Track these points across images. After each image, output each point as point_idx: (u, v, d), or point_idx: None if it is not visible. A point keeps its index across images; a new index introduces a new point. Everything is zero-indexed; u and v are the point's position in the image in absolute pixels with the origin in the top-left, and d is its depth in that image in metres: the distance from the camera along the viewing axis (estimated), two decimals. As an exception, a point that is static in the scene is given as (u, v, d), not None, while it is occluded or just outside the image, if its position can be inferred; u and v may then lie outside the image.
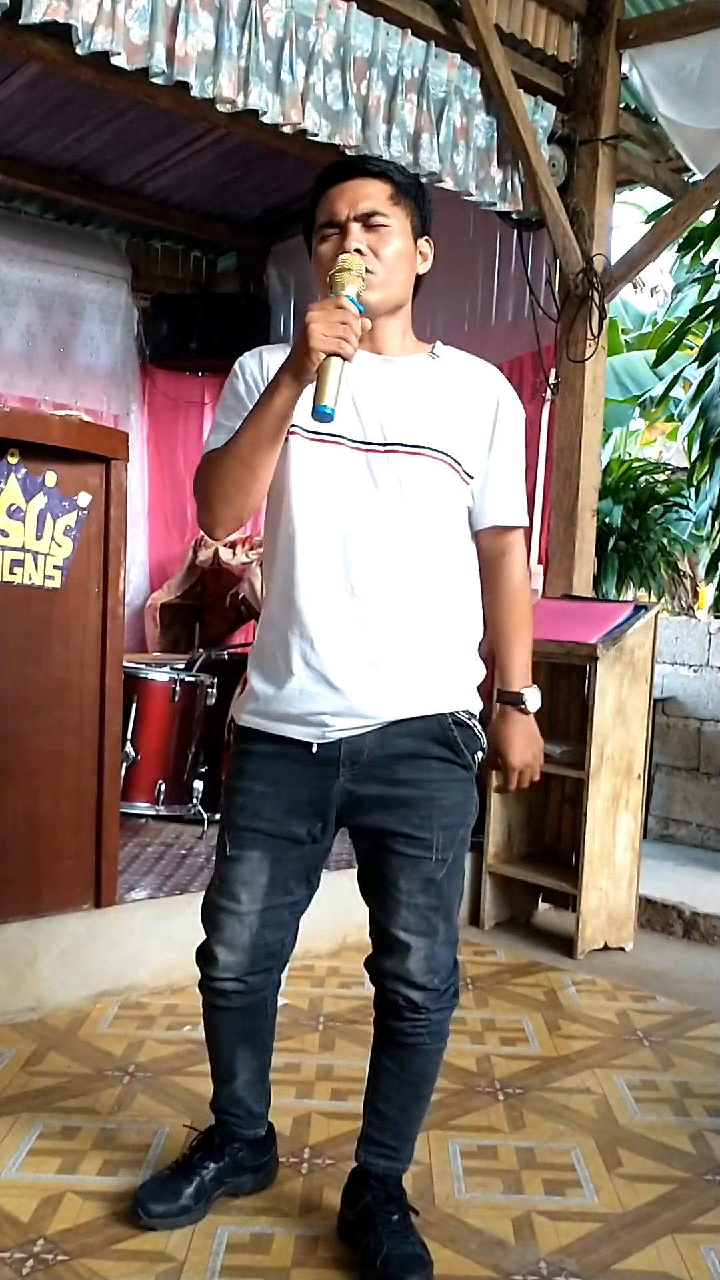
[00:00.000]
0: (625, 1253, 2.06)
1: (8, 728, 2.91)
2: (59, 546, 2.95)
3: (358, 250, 1.77)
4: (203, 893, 2.03)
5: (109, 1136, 2.39)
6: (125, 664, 3.48)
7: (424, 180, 1.95)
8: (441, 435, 1.84)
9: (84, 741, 3.04)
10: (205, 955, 1.99)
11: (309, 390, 1.69)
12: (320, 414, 1.64)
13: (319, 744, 1.84)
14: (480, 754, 1.94)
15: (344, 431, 1.83)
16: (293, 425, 1.80)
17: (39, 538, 2.92)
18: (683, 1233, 2.13)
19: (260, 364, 1.88)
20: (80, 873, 3.06)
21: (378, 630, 1.81)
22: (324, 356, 1.63)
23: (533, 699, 1.95)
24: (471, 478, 1.88)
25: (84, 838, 3.06)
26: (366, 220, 1.80)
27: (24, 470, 2.88)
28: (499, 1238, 2.09)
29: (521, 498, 1.95)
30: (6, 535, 2.87)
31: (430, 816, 1.86)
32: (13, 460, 2.86)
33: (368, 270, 1.76)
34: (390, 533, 1.81)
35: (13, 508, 2.87)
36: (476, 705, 1.93)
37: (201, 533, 5.58)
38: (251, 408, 1.76)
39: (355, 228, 1.80)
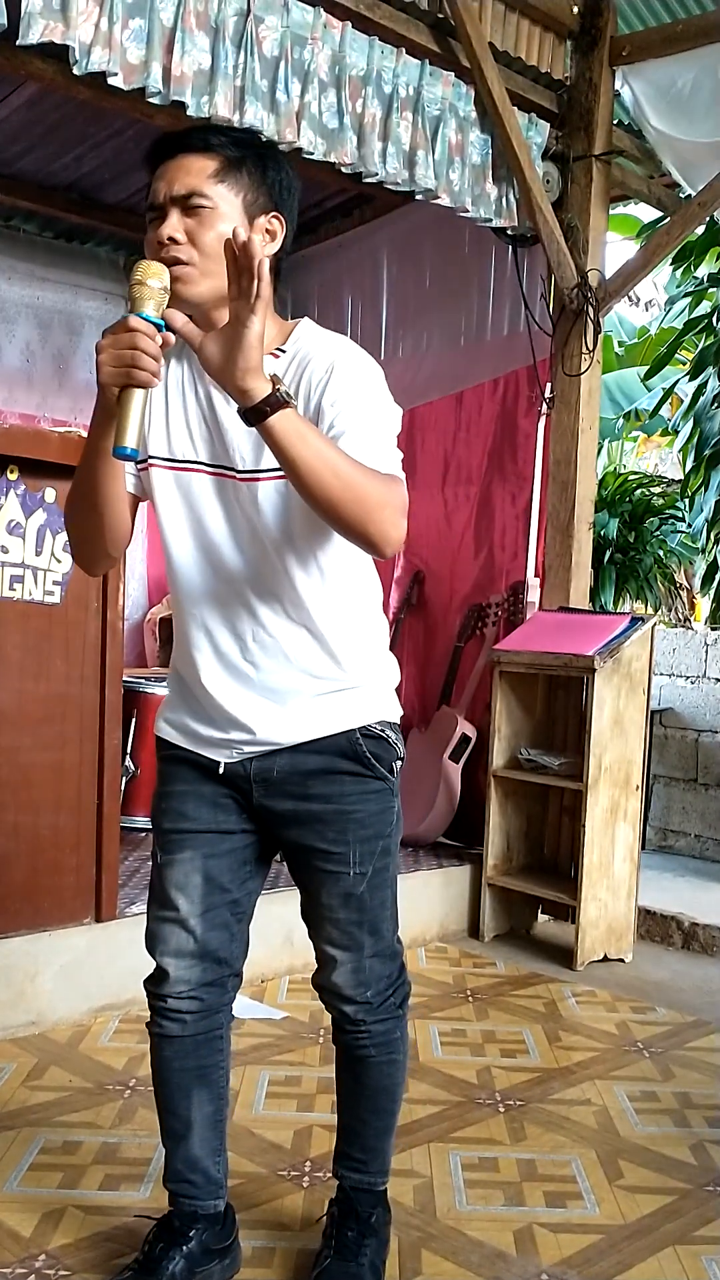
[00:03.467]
0: (627, 1264, 2.06)
1: (8, 742, 2.92)
2: (58, 562, 2.97)
3: (171, 238, 1.60)
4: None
5: (110, 1151, 2.39)
6: (125, 678, 3.49)
7: (275, 143, 1.73)
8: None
9: (84, 756, 3.05)
10: (155, 976, 1.86)
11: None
12: (120, 454, 1.48)
13: (226, 763, 1.79)
14: (399, 763, 1.84)
15: (200, 456, 1.72)
16: (150, 454, 1.72)
17: (39, 553, 2.93)
18: (684, 1244, 2.13)
19: None
20: (81, 887, 3.07)
21: (266, 667, 1.74)
22: (118, 390, 1.49)
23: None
24: None
25: (84, 852, 3.07)
26: (185, 203, 1.61)
27: (23, 487, 2.90)
28: (500, 1250, 2.09)
29: (374, 438, 1.64)
30: (6, 551, 2.88)
31: (345, 830, 1.79)
32: (12, 477, 2.88)
33: (183, 262, 1.60)
34: (257, 563, 1.72)
35: (12, 524, 2.89)
36: (391, 714, 1.84)
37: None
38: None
39: (173, 213, 1.61)
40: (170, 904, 1.83)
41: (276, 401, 1.50)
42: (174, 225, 1.61)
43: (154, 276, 1.53)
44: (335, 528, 1.61)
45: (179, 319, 1.55)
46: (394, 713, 1.86)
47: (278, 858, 1.93)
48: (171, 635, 5.67)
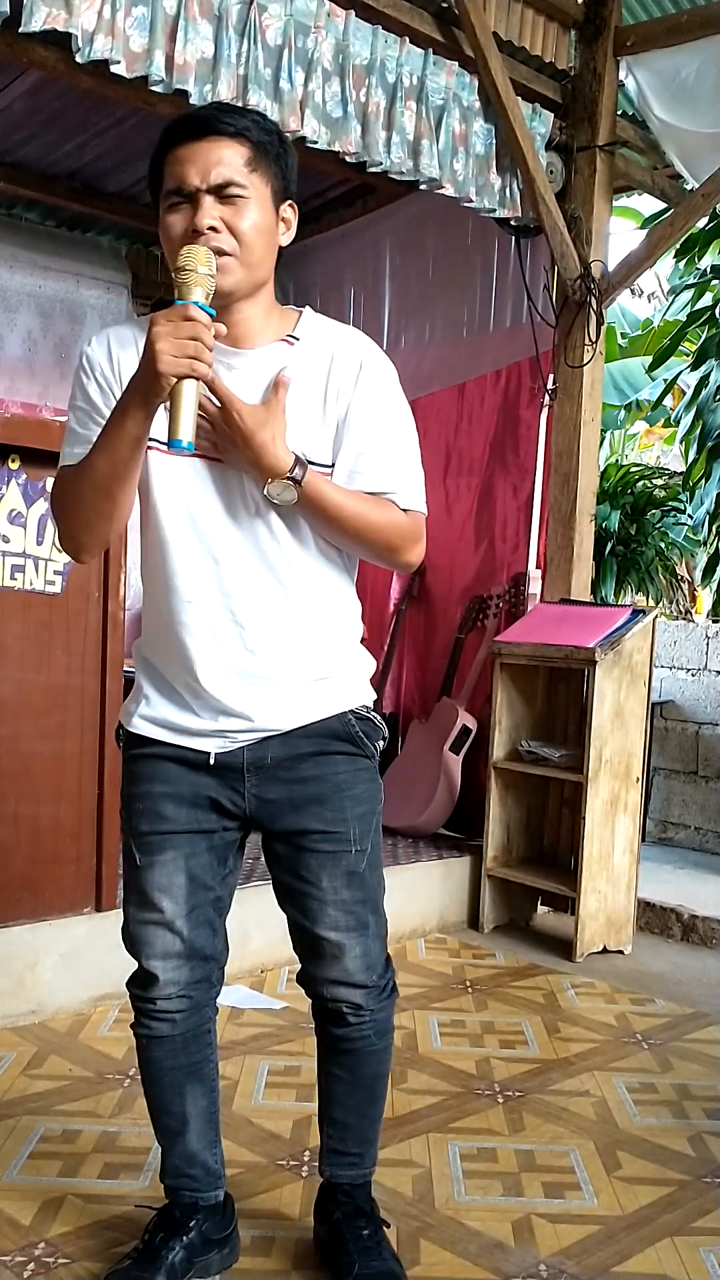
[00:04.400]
0: (625, 1255, 2.06)
1: (8, 732, 2.92)
2: (60, 552, 2.96)
3: (211, 228, 1.59)
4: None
5: (110, 1140, 2.40)
6: (125, 668, 3.48)
7: (286, 133, 1.73)
8: (291, 438, 1.66)
9: (85, 746, 3.05)
10: (140, 979, 1.83)
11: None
12: (176, 448, 1.50)
13: (218, 754, 1.75)
14: (382, 743, 1.86)
15: (204, 441, 1.69)
16: (151, 437, 1.66)
17: (40, 543, 2.93)
18: (682, 1235, 2.14)
19: (110, 358, 1.70)
20: (81, 876, 3.07)
21: (266, 654, 1.73)
22: (175, 380, 1.50)
23: (283, 489, 1.64)
24: (333, 466, 1.72)
25: (85, 841, 3.07)
26: (220, 191, 1.60)
27: (25, 476, 2.89)
28: (499, 1240, 2.09)
29: (400, 469, 1.75)
30: (8, 541, 2.88)
31: (343, 808, 1.79)
32: (14, 466, 2.87)
33: (225, 252, 1.60)
34: (259, 551, 1.70)
35: (14, 513, 2.88)
36: (370, 697, 1.86)
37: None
38: (104, 427, 1.61)
39: (208, 201, 1.60)
40: (154, 906, 1.79)
41: (304, 463, 1.63)
42: (214, 214, 1.60)
43: (203, 263, 1.54)
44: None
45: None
46: (372, 696, 1.88)
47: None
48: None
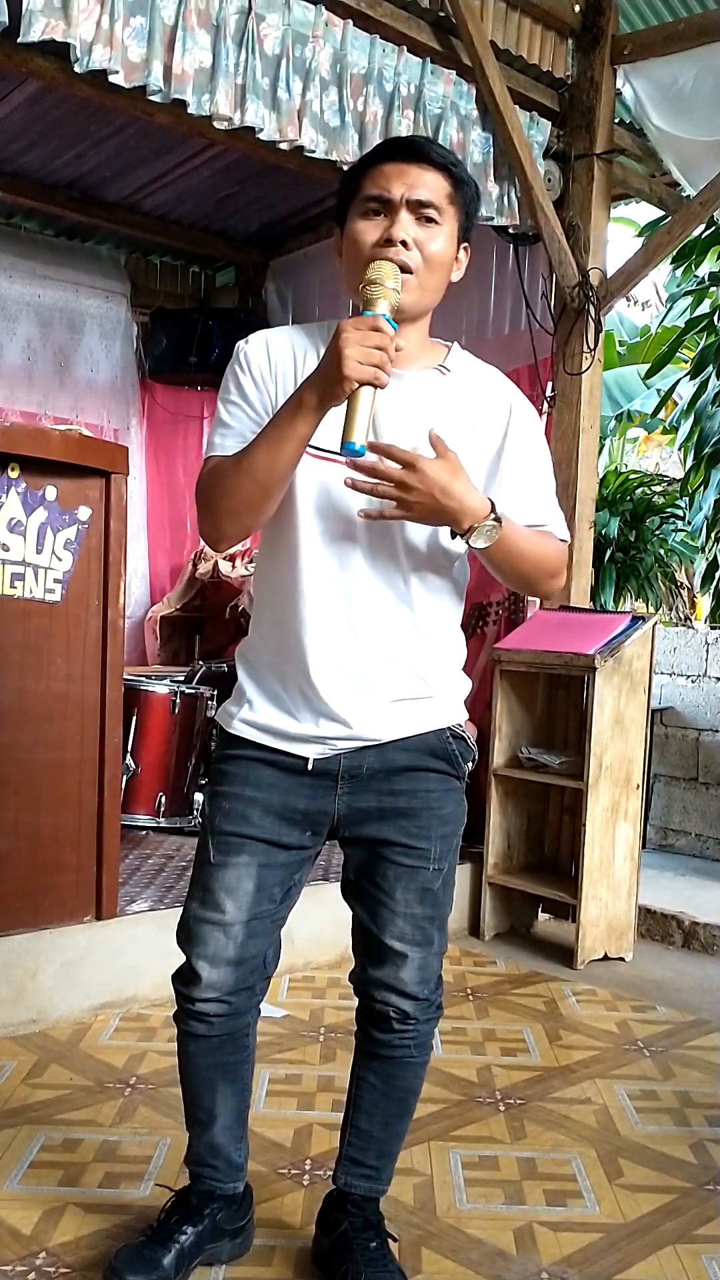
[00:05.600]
0: (627, 1263, 2.06)
1: (8, 740, 2.92)
2: (59, 560, 2.97)
3: (403, 242, 1.66)
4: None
5: (110, 1149, 2.39)
6: (125, 676, 3.49)
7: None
8: None
9: (84, 754, 3.05)
10: (185, 975, 1.86)
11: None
12: (349, 450, 1.54)
13: (316, 759, 1.79)
14: (471, 764, 1.91)
15: None
16: None
17: (39, 551, 2.93)
18: (684, 1242, 2.13)
19: (267, 357, 1.76)
20: (81, 885, 3.07)
21: (374, 663, 1.76)
22: (356, 386, 1.54)
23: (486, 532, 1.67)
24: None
25: (85, 850, 3.07)
26: (419, 209, 1.68)
27: (24, 485, 2.89)
28: (500, 1248, 2.09)
29: (552, 503, 1.85)
30: (7, 549, 2.88)
31: (428, 826, 1.82)
32: (13, 475, 2.88)
33: (407, 269, 1.66)
34: (387, 564, 1.75)
35: (13, 522, 2.88)
36: (465, 717, 1.90)
37: (201, 545, 5.60)
38: (269, 424, 1.65)
39: (406, 216, 1.67)
40: (217, 906, 1.81)
41: (497, 511, 1.66)
42: (407, 227, 1.67)
43: (391, 278, 1.62)
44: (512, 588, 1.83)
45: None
46: (465, 716, 1.90)
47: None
48: (172, 633, 5.70)
